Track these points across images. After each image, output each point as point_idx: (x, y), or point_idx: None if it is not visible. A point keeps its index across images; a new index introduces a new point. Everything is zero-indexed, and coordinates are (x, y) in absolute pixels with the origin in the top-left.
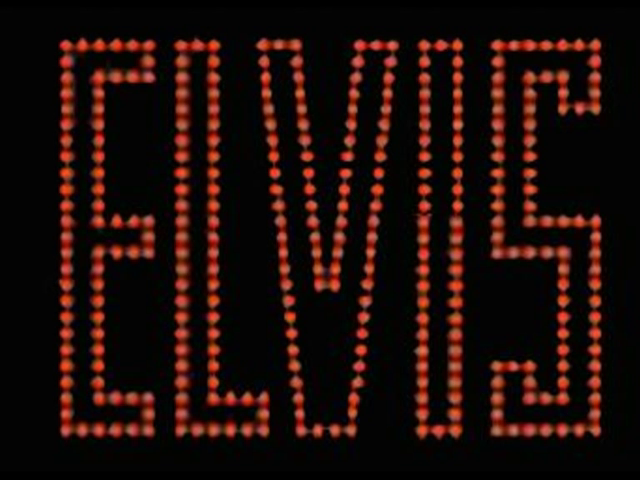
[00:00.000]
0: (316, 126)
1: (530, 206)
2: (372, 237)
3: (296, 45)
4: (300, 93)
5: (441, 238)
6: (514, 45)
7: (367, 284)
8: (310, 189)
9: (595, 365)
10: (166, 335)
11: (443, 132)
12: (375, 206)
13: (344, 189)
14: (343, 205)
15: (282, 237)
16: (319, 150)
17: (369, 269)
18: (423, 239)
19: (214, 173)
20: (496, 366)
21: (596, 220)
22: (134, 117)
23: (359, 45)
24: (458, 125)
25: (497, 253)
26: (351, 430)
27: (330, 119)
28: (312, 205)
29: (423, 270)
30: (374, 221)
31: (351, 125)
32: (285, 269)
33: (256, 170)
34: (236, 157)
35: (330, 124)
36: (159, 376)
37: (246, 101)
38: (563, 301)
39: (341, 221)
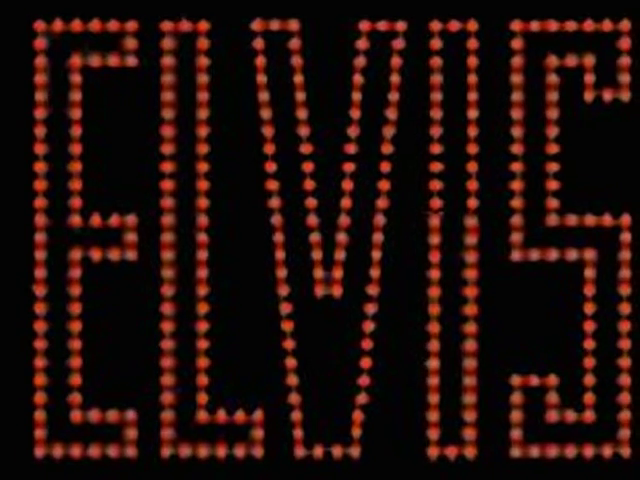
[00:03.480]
0: (316, 115)
1: (553, 203)
2: (378, 237)
3: (294, 25)
4: (299, 79)
5: (454, 239)
6: (535, 26)
7: (372, 290)
8: (310, 184)
9: (624, 379)
10: (151, 346)
11: (456, 122)
12: (381, 203)
13: (347, 184)
14: (346, 202)
15: (279, 237)
16: (319, 142)
17: (375, 273)
18: (434, 240)
19: (204, 167)
20: (515, 380)
21: (625, 219)
22: (115, 105)
23: (364, 26)
24: (473, 114)
25: (516, 255)
26: (355, 451)
27: (332, 108)
28: (312, 202)
29: (434, 274)
30: (380, 220)
31: (355, 114)
32: (282, 273)
33: (250, 164)
34: (228, 149)
35: (332, 113)
36: (143, 391)
37: (239, 88)
38: (589, 308)
39: (344, 220)
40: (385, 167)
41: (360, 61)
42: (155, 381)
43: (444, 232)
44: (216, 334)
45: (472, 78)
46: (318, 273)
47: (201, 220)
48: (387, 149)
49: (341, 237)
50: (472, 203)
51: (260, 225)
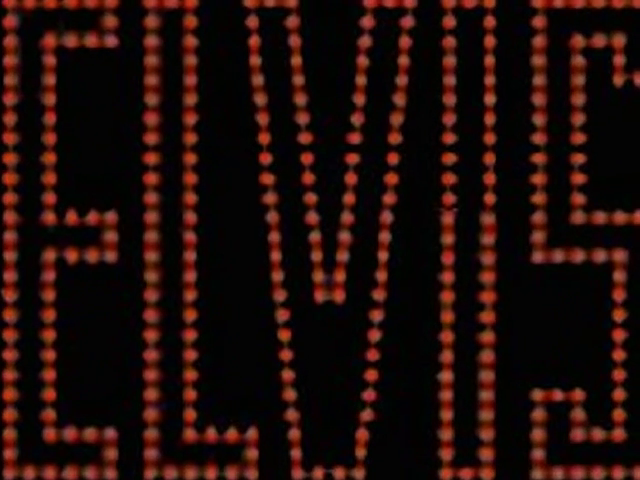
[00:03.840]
0: (316, 101)
1: (578, 199)
2: (385, 237)
3: (291, 2)
4: (297, 61)
5: (469, 238)
6: (559, 2)
7: (378, 295)
8: (309, 178)
9: None
10: (133, 357)
11: (472, 109)
12: (388, 199)
13: (350, 178)
14: (349, 197)
15: (274, 237)
16: (320, 131)
17: (381, 276)
18: (447, 240)
19: (191, 158)
20: (537, 395)
21: None
22: (93, 90)
23: (369, 2)
24: (490, 100)
25: (538, 257)
26: (359, 474)
27: (333, 93)
28: (311, 197)
29: (447, 278)
30: (387, 217)
31: (359, 100)
32: (278, 276)
33: (243, 155)
34: (218, 139)
35: (333, 99)
36: (124, 407)
37: (230, 71)
38: (619, 315)
39: (347, 217)
40: (393, 159)
41: (365, 41)
42: (138, 396)
43: (458, 231)
44: (205, 344)
45: (489, 60)
46: (318, 276)
47: (188, 217)
48: (395, 139)
49: (344, 236)
50: (489, 199)
51: (254, 223)
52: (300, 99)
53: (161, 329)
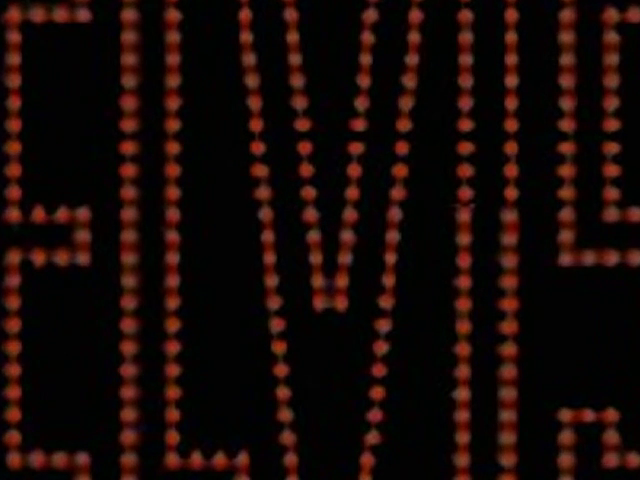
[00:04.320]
0: (315, 83)
1: (611, 194)
2: (392, 237)
3: None
4: (293, 37)
5: (488, 238)
6: None
7: (385, 302)
8: (307, 170)
9: None
10: (108, 372)
11: (491, 91)
12: (396, 194)
13: (354, 170)
14: (352, 192)
15: (268, 237)
16: (319, 116)
17: (388, 281)
18: (463, 240)
19: (174, 148)
20: (565, 415)
21: None
22: (63, 71)
23: None
24: (512, 81)
25: (566, 259)
26: None
27: (334, 74)
28: (309, 192)
29: (463, 283)
30: (395, 215)
31: (363, 82)
32: (272, 281)
33: (232, 144)
34: (204, 126)
35: (334, 80)
36: (98, 429)
37: (218, 49)
38: None
39: (350, 214)
40: (402, 148)
41: (370, 15)
42: (114, 416)
43: (475, 230)
44: (190, 357)
45: (511, 37)
46: (317, 281)
47: (171, 214)
48: (404, 126)
49: (346, 235)
50: (510, 193)
51: (245, 221)
52: (297, 80)
53: (140, 340)
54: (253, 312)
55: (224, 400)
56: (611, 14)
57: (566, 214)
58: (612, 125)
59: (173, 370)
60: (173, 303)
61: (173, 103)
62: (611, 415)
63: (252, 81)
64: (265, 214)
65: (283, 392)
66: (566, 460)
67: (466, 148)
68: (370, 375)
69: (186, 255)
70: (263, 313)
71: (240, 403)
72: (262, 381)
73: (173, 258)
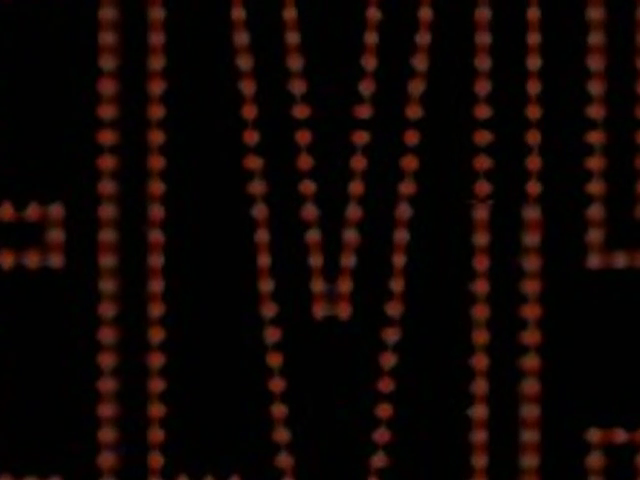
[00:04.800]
0: (314, 65)
1: None
2: (401, 236)
3: None
4: (290, 14)
5: (508, 238)
6: None
7: (393, 309)
8: (305, 162)
9: None
10: (84, 387)
11: (511, 74)
12: (405, 188)
13: (358, 162)
14: (356, 187)
15: (262, 236)
16: (319, 102)
17: (396, 286)
18: (480, 240)
19: (157, 137)
20: (593, 435)
21: None
22: (34, 51)
23: None
24: (534, 63)
25: (594, 261)
26: None
27: (336, 54)
28: (308, 186)
29: (480, 287)
30: (404, 212)
31: (369, 63)
32: (267, 286)
33: (222, 133)
34: (191, 112)
35: (336, 61)
36: (72, 451)
37: (207, 27)
38: None
39: (353, 212)
40: (411, 138)
41: None
42: (90, 436)
43: (494, 229)
44: (175, 371)
45: (532, 13)
46: (317, 286)
47: (154, 211)
48: (413, 112)
49: (349, 235)
50: (532, 188)
51: (237, 219)
52: (294, 62)
53: (120, 352)
54: (246, 320)
55: (213, 418)
56: None
57: (595, 211)
58: None
59: (156, 385)
60: (156, 310)
61: (156, 87)
62: None
63: (245, 63)
64: (259, 211)
65: (279, 409)
66: None
67: (483, 137)
68: (376, 391)
69: (171, 257)
70: (257, 321)
71: (231, 422)
72: (256, 397)
73: (156, 260)
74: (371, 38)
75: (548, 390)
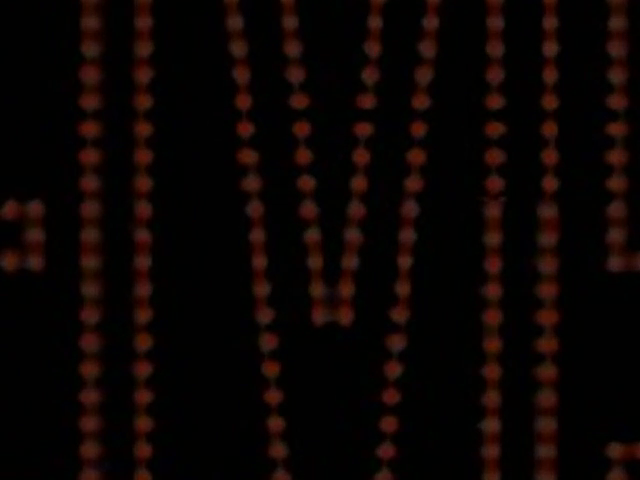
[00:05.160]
0: (314, 51)
1: None
2: (407, 236)
3: None
4: None
5: (522, 238)
6: None
7: (398, 314)
8: (304, 156)
9: None
10: (65, 399)
11: (525, 61)
12: (411, 184)
13: (360, 155)
14: (359, 182)
15: (258, 236)
16: (319, 91)
17: (402, 289)
18: (492, 239)
19: (144, 129)
20: (615, 451)
21: None
22: (11, 36)
23: None
24: (550, 49)
25: (615, 263)
26: None
27: (337, 39)
28: (307, 183)
29: (492, 291)
30: (410, 210)
31: (372, 49)
32: (263, 290)
33: (215, 124)
34: (180, 103)
35: (337, 48)
36: (52, 468)
37: (197, 10)
38: None
39: (355, 209)
40: (417, 130)
41: None
42: (72, 451)
43: (507, 228)
44: (163, 381)
45: None
46: (317, 289)
47: (140, 209)
48: (420, 102)
49: (351, 235)
50: (549, 184)
51: (230, 217)
52: (292, 48)
53: (104, 361)
54: (240, 327)
55: (204, 433)
56: None
57: (616, 209)
58: None
59: (143, 396)
60: (143, 316)
61: (143, 75)
62: None
63: (239, 49)
64: (254, 209)
65: (276, 423)
66: None
67: (496, 129)
68: (380, 403)
69: (159, 258)
70: (252, 328)
71: (224, 436)
72: (250, 410)
73: (143, 262)
74: (375, 22)
75: (565, 402)
